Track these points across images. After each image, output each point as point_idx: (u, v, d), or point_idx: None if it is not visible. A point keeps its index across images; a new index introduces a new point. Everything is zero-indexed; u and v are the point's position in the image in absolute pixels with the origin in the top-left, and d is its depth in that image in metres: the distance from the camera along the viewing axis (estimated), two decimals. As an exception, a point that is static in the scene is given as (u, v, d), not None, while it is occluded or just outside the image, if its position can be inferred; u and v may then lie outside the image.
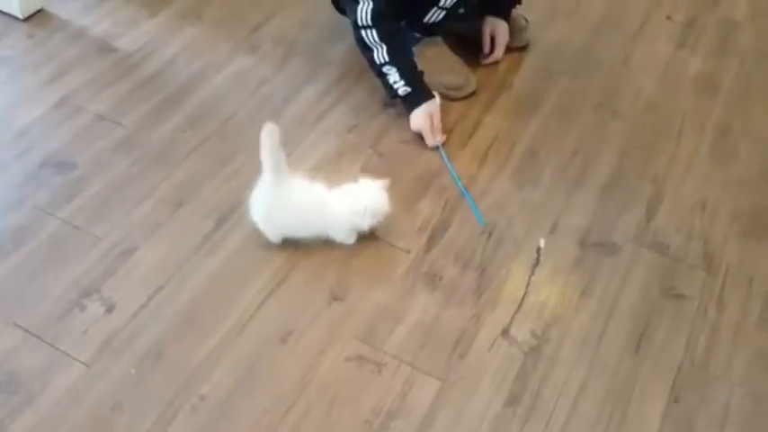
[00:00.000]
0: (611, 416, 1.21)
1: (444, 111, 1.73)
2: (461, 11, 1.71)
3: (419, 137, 1.65)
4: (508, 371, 1.26)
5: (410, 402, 1.22)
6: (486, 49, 1.83)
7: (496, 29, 1.81)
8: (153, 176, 1.56)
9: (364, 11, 1.58)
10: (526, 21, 1.90)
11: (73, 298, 1.34)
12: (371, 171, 1.58)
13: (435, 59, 1.77)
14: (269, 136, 1.31)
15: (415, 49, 1.78)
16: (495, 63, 1.84)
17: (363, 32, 1.61)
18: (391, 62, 1.62)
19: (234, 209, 1.49)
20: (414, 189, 1.56)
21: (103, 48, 1.87)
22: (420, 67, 1.77)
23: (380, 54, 1.62)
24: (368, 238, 1.45)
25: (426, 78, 1.77)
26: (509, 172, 1.61)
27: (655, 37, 1.97)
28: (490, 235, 1.48)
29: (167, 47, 1.88)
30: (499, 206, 1.53)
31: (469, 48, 1.85)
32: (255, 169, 1.37)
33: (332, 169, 1.58)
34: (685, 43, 1.96)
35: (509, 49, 1.85)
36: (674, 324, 1.34)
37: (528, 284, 1.39)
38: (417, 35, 1.78)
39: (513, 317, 1.34)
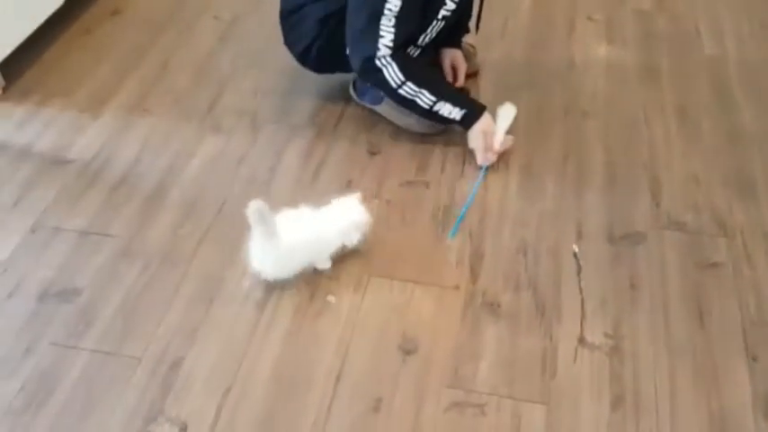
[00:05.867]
0: (709, 393, 1.26)
1: (428, 147, 1.75)
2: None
3: (415, 175, 1.66)
4: (600, 376, 1.28)
5: (527, 433, 1.21)
6: (450, 78, 1.87)
7: (455, 58, 1.86)
8: (168, 279, 1.46)
9: (393, 72, 1.60)
10: (473, 47, 1.97)
11: (138, 427, 1.22)
12: (383, 220, 1.56)
13: None
14: (256, 214, 1.33)
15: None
16: (461, 90, 1.89)
17: (402, 91, 1.62)
18: (437, 98, 1.63)
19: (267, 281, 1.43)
20: (433, 226, 1.56)
21: (57, 161, 1.74)
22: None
23: (425, 99, 1.63)
24: (413, 283, 1.43)
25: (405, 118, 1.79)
26: (514, 190, 1.64)
27: (584, 38, 2.11)
28: (525, 253, 1.50)
29: (125, 146, 1.78)
30: (520, 224, 1.56)
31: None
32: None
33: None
34: (614, 39, 2.10)
35: (465, 76, 1.90)
36: (720, 291, 1.42)
37: (581, 290, 1.42)
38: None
39: (581, 324, 1.37)
